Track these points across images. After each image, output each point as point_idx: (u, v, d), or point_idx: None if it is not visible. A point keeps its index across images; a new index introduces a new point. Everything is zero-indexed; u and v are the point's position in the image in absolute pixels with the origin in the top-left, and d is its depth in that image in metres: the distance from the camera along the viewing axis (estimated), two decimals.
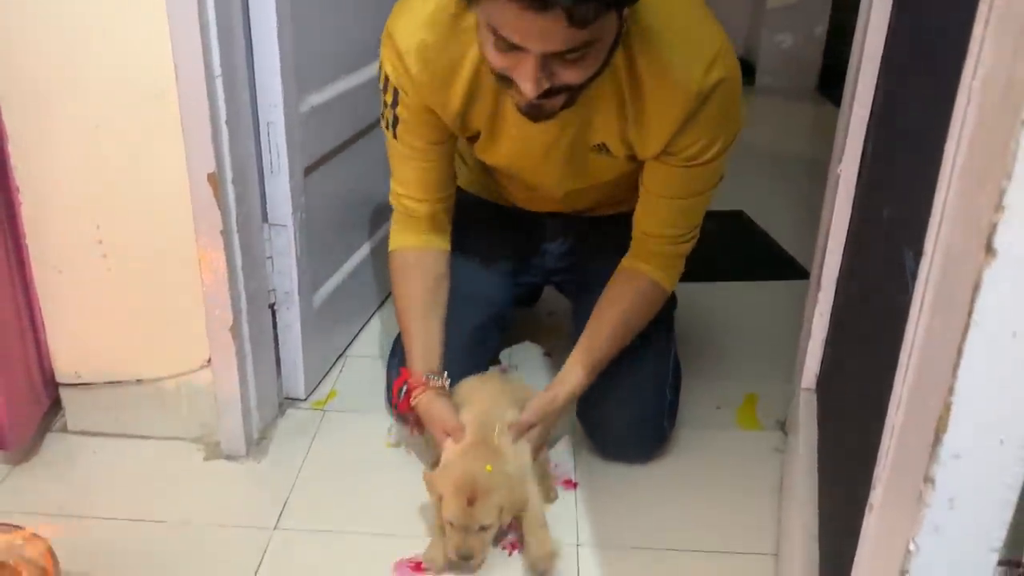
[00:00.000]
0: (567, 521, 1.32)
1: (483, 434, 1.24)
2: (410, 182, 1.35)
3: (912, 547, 0.52)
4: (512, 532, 1.26)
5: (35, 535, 1.05)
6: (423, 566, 1.21)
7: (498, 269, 1.56)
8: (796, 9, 3.98)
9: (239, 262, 1.35)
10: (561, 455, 1.46)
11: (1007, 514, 0.50)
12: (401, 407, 1.35)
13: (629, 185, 1.35)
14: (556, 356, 1.71)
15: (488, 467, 1.18)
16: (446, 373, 1.33)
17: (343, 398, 1.63)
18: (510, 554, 1.25)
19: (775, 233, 2.39)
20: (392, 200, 1.39)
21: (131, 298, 1.37)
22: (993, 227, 0.44)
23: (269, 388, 1.51)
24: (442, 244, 1.41)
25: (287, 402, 1.59)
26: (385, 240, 1.45)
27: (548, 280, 1.66)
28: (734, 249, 2.33)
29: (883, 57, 1.16)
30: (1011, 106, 0.43)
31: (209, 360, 1.39)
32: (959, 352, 0.47)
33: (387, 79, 1.25)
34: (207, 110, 1.22)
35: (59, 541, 1.06)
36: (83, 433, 1.48)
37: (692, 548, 1.27)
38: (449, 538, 1.18)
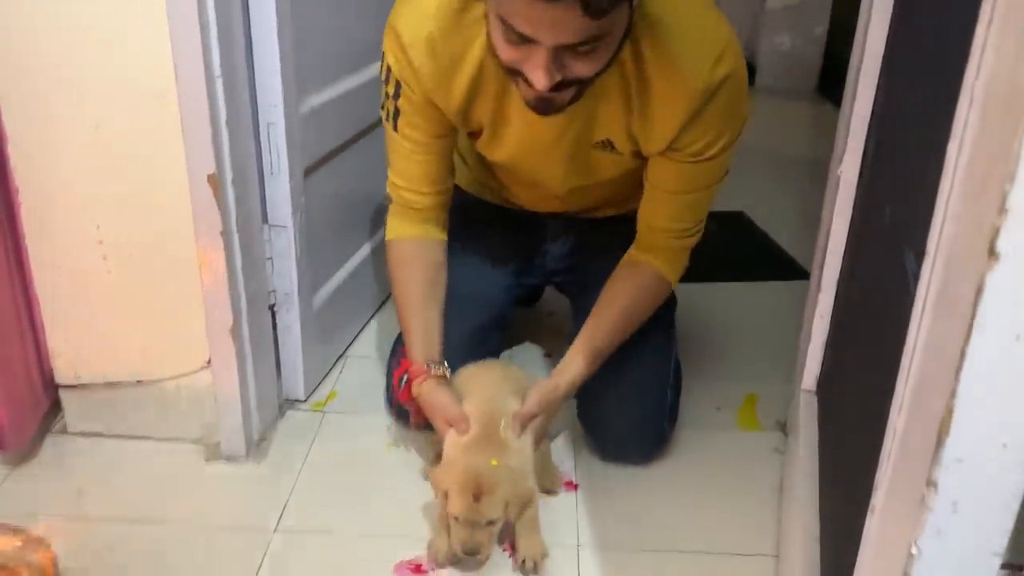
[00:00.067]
0: (567, 522, 1.32)
1: (488, 427, 1.23)
2: (409, 174, 1.34)
3: (914, 551, 0.52)
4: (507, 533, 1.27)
5: (38, 539, 1.04)
6: (426, 561, 1.21)
7: (499, 270, 1.56)
8: (796, 10, 3.98)
9: (239, 263, 1.35)
10: (561, 456, 1.46)
11: (1010, 518, 0.50)
12: (401, 396, 1.34)
13: (632, 184, 1.35)
14: (556, 357, 1.70)
15: (494, 462, 1.18)
16: (446, 363, 1.32)
17: (343, 399, 1.63)
18: (511, 555, 1.25)
19: (775, 234, 2.39)
20: (390, 191, 1.38)
21: (131, 299, 1.37)
22: (996, 230, 0.44)
23: (269, 389, 1.51)
24: (440, 234, 1.41)
25: (287, 403, 1.59)
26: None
27: (549, 280, 1.66)
28: (734, 250, 2.33)
29: (884, 57, 1.16)
30: (1014, 109, 0.43)
31: (209, 361, 1.39)
32: (962, 355, 0.47)
33: (389, 71, 1.24)
34: (207, 111, 1.22)
35: (59, 543, 1.06)
36: (83, 434, 1.47)
37: (692, 549, 1.27)
38: (455, 533, 1.17)
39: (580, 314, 1.42)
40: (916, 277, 0.59)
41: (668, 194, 1.29)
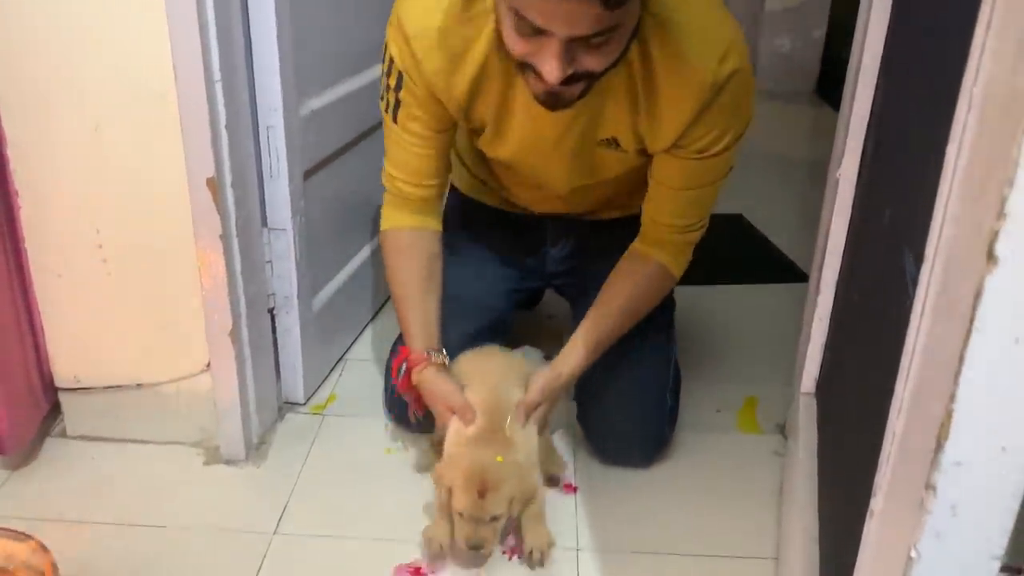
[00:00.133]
0: (567, 525, 1.32)
1: (492, 419, 1.23)
2: (406, 166, 1.33)
3: (914, 554, 0.52)
4: (511, 534, 1.26)
5: (37, 542, 1.04)
6: (425, 564, 1.21)
7: (499, 273, 1.56)
8: (795, 12, 3.98)
9: (238, 266, 1.35)
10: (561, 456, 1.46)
11: (1009, 521, 0.50)
12: (401, 386, 1.34)
13: (634, 184, 1.35)
14: None
15: (499, 458, 1.18)
16: (444, 350, 1.32)
17: (342, 402, 1.63)
18: (510, 559, 1.25)
19: (774, 236, 2.39)
20: (385, 181, 1.37)
21: (130, 302, 1.37)
22: (995, 234, 0.44)
23: (268, 392, 1.51)
24: (436, 225, 1.40)
25: (286, 406, 1.59)
26: None
27: (549, 283, 1.66)
28: (733, 252, 2.33)
29: (883, 58, 1.16)
30: (1013, 113, 0.43)
31: (208, 364, 1.39)
32: (961, 359, 0.47)
33: (392, 62, 1.23)
34: (206, 114, 1.22)
35: (58, 546, 1.06)
36: (82, 438, 1.47)
37: (692, 552, 1.27)
38: (459, 529, 1.17)
39: (580, 317, 1.41)
40: (915, 280, 0.59)
41: (673, 190, 1.28)
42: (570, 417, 1.50)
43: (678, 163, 1.24)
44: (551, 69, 1.00)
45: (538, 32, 0.98)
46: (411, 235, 1.38)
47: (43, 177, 1.29)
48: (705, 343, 1.83)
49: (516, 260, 1.57)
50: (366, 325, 1.88)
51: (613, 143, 1.25)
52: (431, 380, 1.28)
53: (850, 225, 1.26)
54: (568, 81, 1.03)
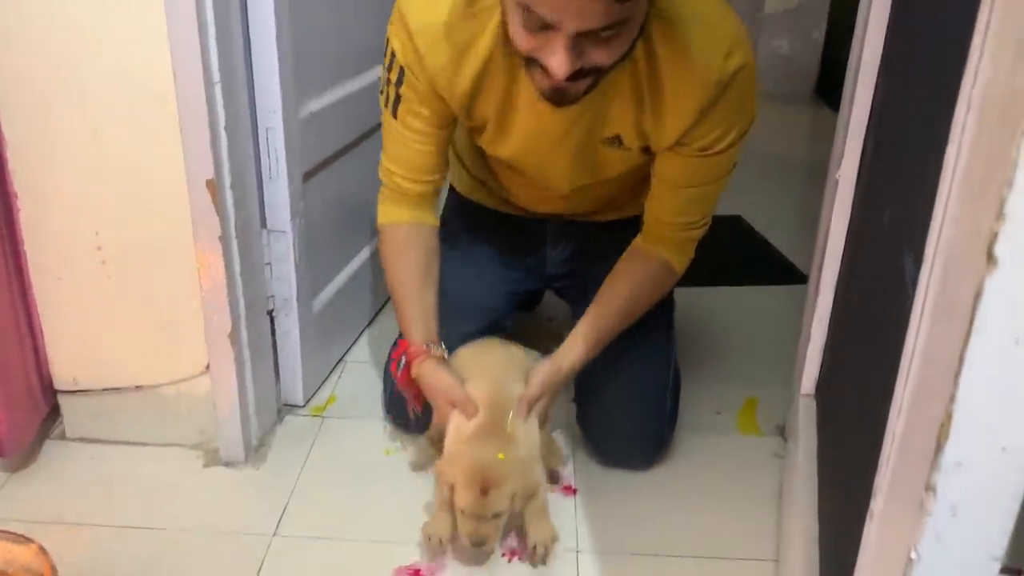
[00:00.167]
0: (567, 527, 1.31)
1: (494, 415, 1.22)
2: (404, 162, 1.33)
3: (914, 555, 0.52)
4: (512, 533, 1.26)
5: (36, 544, 1.04)
6: (424, 567, 1.21)
7: (498, 276, 1.56)
8: (794, 13, 3.99)
9: (238, 268, 1.35)
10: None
11: (1009, 522, 0.50)
12: (401, 379, 1.33)
13: (635, 184, 1.35)
14: None
15: (500, 455, 1.17)
16: (443, 344, 1.32)
17: (342, 404, 1.63)
18: (509, 561, 1.24)
19: (773, 238, 2.39)
20: (382, 175, 1.37)
21: (130, 304, 1.37)
22: (994, 236, 0.44)
23: (268, 394, 1.51)
24: (433, 219, 1.40)
25: (286, 408, 1.59)
26: None
27: (548, 285, 1.65)
28: (733, 254, 2.33)
29: (882, 59, 1.16)
30: (1011, 115, 0.43)
31: (208, 366, 1.39)
32: (960, 360, 0.47)
33: (393, 56, 1.22)
34: (206, 116, 1.22)
35: (57, 548, 1.06)
36: (81, 440, 1.47)
37: (692, 554, 1.27)
38: (461, 525, 1.17)
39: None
40: (914, 281, 0.59)
41: (676, 188, 1.28)
42: (569, 418, 1.50)
43: (681, 161, 1.24)
44: (559, 63, 0.99)
45: (546, 27, 0.97)
46: (409, 230, 1.38)
47: (42, 178, 1.29)
48: (705, 344, 1.83)
49: (516, 262, 1.57)
50: (365, 327, 1.88)
51: (616, 141, 1.25)
52: (431, 373, 1.28)
53: (850, 226, 1.26)
54: (575, 77, 1.02)
